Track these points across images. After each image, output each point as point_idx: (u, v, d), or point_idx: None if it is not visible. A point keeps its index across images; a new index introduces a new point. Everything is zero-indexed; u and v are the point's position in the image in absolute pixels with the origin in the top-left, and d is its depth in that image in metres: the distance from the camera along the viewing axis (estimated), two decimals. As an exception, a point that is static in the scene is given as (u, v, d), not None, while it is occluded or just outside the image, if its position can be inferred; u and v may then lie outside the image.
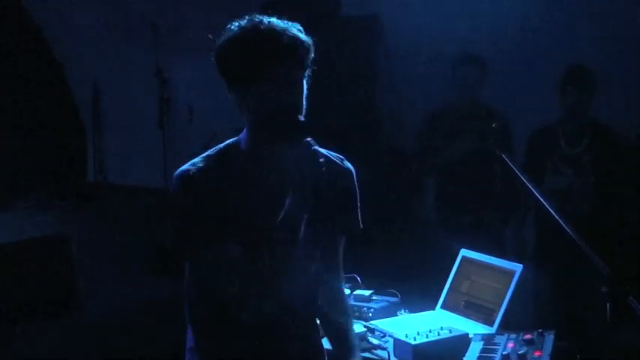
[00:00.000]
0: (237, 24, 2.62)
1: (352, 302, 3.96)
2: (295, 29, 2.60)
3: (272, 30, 2.56)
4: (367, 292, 4.04)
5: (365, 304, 3.95)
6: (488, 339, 3.47)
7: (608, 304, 2.82)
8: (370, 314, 3.89)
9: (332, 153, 2.78)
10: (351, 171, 2.85)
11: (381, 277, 4.29)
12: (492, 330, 3.62)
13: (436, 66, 6.32)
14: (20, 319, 5.65)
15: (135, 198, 7.01)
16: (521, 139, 5.64)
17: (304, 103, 2.62)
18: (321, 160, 2.60)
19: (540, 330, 3.45)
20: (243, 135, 2.70)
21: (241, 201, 2.63)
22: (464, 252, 4.03)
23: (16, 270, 5.77)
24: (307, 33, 2.63)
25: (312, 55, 2.62)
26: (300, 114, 2.60)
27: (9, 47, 7.18)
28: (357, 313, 3.90)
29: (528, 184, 3.42)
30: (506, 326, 3.65)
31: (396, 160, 6.63)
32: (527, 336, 3.41)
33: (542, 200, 3.39)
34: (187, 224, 2.62)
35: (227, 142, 2.73)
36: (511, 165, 3.50)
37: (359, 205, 2.87)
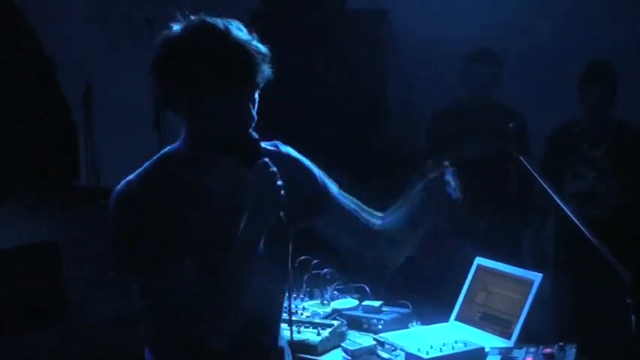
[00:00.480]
0: (186, 25, 2.51)
1: (361, 314, 3.95)
2: (256, 40, 2.50)
3: (235, 41, 2.45)
4: (377, 303, 4.03)
5: (374, 316, 3.93)
6: (505, 353, 3.44)
7: (632, 316, 2.80)
8: (380, 326, 3.87)
9: (265, 145, 2.70)
10: (289, 154, 2.82)
11: (392, 287, 4.28)
12: (510, 343, 3.60)
13: (448, 62, 6.30)
14: (7, 330, 5.65)
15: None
16: (540, 140, 5.63)
17: (255, 115, 2.54)
18: (266, 160, 2.54)
19: (561, 343, 3.43)
20: (181, 143, 2.62)
21: (193, 215, 2.55)
22: (479, 260, 4.01)
23: (2, 279, 5.77)
24: (262, 41, 2.52)
25: (269, 69, 2.51)
26: (251, 128, 2.54)
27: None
28: (365, 326, 3.89)
29: (547, 188, 3.40)
30: (524, 339, 3.62)
31: (406, 160, 6.61)
32: (547, 350, 3.38)
33: (561, 205, 3.38)
34: (137, 246, 2.48)
35: (163, 151, 2.66)
36: (529, 167, 3.49)
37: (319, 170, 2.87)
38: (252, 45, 2.46)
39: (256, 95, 2.54)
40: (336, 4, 6.81)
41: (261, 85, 2.52)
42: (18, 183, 7.06)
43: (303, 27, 6.53)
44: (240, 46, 2.44)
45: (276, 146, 2.79)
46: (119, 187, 2.54)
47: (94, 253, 6.11)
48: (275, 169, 2.51)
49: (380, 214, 3.00)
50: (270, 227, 2.54)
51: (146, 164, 2.61)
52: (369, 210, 2.97)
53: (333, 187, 2.90)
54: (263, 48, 2.49)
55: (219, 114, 2.47)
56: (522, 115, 5.74)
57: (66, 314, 5.98)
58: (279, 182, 2.51)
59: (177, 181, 2.55)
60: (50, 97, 7.52)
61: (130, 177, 2.56)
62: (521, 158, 3.50)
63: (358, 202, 2.97)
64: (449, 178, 2.99)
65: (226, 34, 2.45)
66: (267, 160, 2.53)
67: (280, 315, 2.88)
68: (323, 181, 2.87)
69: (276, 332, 2.87)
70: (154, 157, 2.63)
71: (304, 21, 6.57)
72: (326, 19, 6.62)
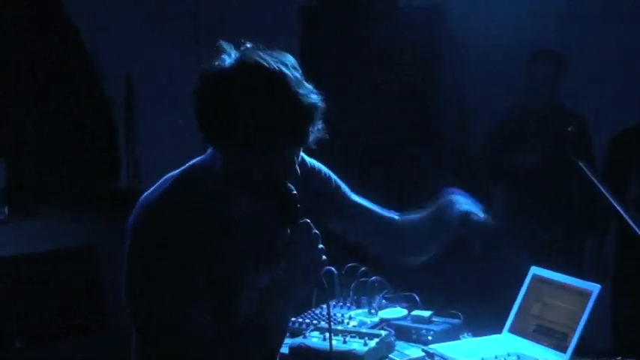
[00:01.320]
0: (239, 63, 2.38)
1: (410, 324, 3.98)
2: (311, 89, 2.40)
3: (293, 91, 2.34)
4: (427, 313, 4.05)
5: (424, 326, 3.95)
6: (560, 367, 3.47)
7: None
8: (430, 337, 3.89)
9: None
10: (314, 166, 2.83)
11: (443, 297, 4.30)
12: (566, 357, 3.61)
13: (508, 62, 6.30)
14: (41, 338, 5.72)
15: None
16: (603, 144, 5.62)
17: (298, 170, 2.51)
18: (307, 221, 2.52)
19: (619, 358, 3.44)
20: (211, 165, 2.55)
21: (221, 255, 2.53)
22: (535, 270, 4.01)
23: (40, 283, 5.86)
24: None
25: (321, 126, 2.43)
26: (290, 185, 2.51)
27: (33, 39, 7.28)
28: (414, 336, 3.91)
29: (608, 195, 3.42)
30: (581, 353, 3.63)
31: (461, 165, 6.63)
32: (605, 364, 3.40)
33: (623, 213, 3.39)
34: (160, 285, 2.42)
35: (190, 167, 2.61)
36: (589, 173, 3.50)
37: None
38: (307, 98, 2.37)
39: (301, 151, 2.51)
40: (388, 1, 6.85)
41: (310, 144, 2.46)
42: (56, 184, 7.16)
43: (356, 23, 6.58)
44: (300, 98, 2.35)
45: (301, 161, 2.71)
46: (143, 207, 2.50)
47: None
48: (317, 231, 2.51)
49: (397, 214, 3.06)
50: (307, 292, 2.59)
51: (169, 183, 2.56)
52: (387, 210, 3.02)
53: (347, 190, 2.95)
54: (319, 101, 2.40)
55: (258, 164, 2.42)
56: (584, 117, 5.74)
57: (103, 322, 6.06)
58: (321, 246, 2.51)
59: (204, 207, 2.51)
60: (91, 94, 7.61)
61: (153, 197, 2.52)
62: (580, 164, 3.51)
63: (373, 204, 3.02)
64: (458, 200, 3.03)
65: (279, 79, 2.35)
66: (309, 221, 2.51)
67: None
68: (340, 187, 2.94)
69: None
70: (176, 176, 2.59)
71: (357, 17, 6.61)
72: (380, 15, 6.66)
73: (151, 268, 2.43)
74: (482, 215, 3.02)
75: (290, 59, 2.42)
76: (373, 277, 4.24)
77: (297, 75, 2.39)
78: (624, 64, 6.18)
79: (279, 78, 2.34)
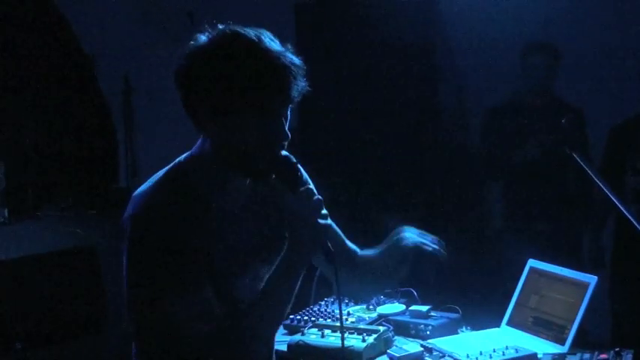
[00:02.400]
0: (220, 33, 2.45)
1: (408, 319, 3.98)
2: (290, 52, 2.44)
3: (269, 53, 2.39)
4: (425, 308, 4.04)
5: (422, 321, 3.95)
6: (559, 359, 3.46)
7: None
8: (428, 332, 3.89)
9: None
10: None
11: (441, 291, 4.29)
12: (564, 349, 3.61)
13: (503, 54, 6.30)
14: (41, 339, 5.72)
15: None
16: (601, 136, 5.62)
17: (288, 133, 2.49)
18: (310, 187, 2.57)
19: (617, 349, 3.43)
20: (200, 155, 2.56)
21: (219, 239, 2.53)
22: (532, 262, 4.01)
23: (40, 284, 5.86)
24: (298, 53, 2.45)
25: (304, 82, 2.44)
26: (284, 147, 2.51)
27: (31, 40, 7.28)
28: (413, 331, 3.91)
29: (602, 185, 3.42)
30: (579, 345, 3.63)
31: (458, 159, 6.62)
32: (603, 356, 3.39)
33: (619, 204, 3.39)
34: (160, 271, 2.41)
35: (178, 162, 2.59)
36: (583, 164, 3.50)
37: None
38: (286, 57, 2.40)
39: (289, 112, 2.50)
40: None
41: (296, 100, 2.46)
42: (55, 185, 7.16)
43: (350, 19, 6.57)
44: (273, 57, 2.38)
45: None
46: (138, 202, 2.48)
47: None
48: (320, 197, 2.52)
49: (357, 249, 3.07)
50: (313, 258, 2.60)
51: (160, 176, 2.56)
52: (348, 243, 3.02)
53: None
54: (298, 60, 2.43)
55: (249, 131, 2.42)
56: (580, 110, 5.73)
57: (103, 323, 6.06)
58: (325, 211, 2.52)
59: (200, 197, 2.51)
60: (89, 95, 7.61)
61: (147, 192, 2.51)
62: (574, 155, 3.51)
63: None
64: (409, 236, 3.00)
65: (258, 44, 2.40)
66: (311, 187, 2.56)
67: None
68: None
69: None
70: (167, 170, 2.58)
71: (350, 13, 6.60)
72: (374, 11, 6.65)
73: (151, 255, 2.41)
74: (434, 246, 3.03)
75: (268, 32, 2.46)
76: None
77: (274, 39, 2.45)
78: (620, 56, 6.17)
79: (255, 41, 2.40)
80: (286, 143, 2.50)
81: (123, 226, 2.48)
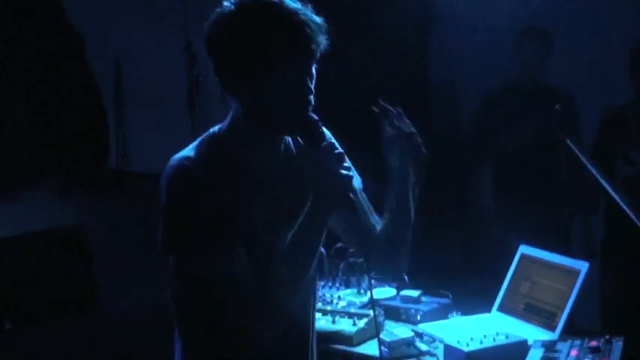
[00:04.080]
0: (239, 1, 2.52)
1: (399, 304, 3.97)
2: (310, 10, 2.52)
3: (288, 11, 2.48)
4: (415, 293, 4.05)
5: (413, 306, 3.95)
6: (549, 346, 3.45)
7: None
8: (418, 317, 3.90)
9: None
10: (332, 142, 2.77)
11: (431, 276, 4.29)
12: (554, 336, 3.62)
13: (495, 39, 6.28)
14: (33, 318, 5.72)
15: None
16: (593, 124, 5.61)
17: (313, 90, 2.56)
18: (332, 141, 2.62)
19: (608, 336, 3.43)
20: (231, 123, 2.64)
21: (253, 197, 2.58)
22: (523, 249, 4.02)
23: (30, 265, 5.84)
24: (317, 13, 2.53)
25: (325, 39, 2.52)
26: (310, 104, 2.57)
27: (20, 20, 7.23)
28: (403, 316, 3.91)
29: (596, 173, 3.41)
30: (569, 332, 3.64)
31: (449, 143, 6.61)
32: (593, 343, 3.38)
33: (611, 191, 3.38)
34: (197, 225, 2.46)
35: (211, 131, 2.67)
36: (576, 151, 3.49)
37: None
38: (307, 14, 2.49)
39: (314, 70, 2.56)
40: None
41: (318, 56, 2.53)
42: (46, 166, 7.13)
43: (345, 6, 6.54)
44: (294, 15, 2.46)
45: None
46: (175, 163, 2.53)
47: (125, 239, 6.19)
48: (341, 150, 2.57)
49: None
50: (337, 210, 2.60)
51: (196, 143, 2.62)
52: (376, 215, 2.97)
53: (359, 184, 2.91)
54: (318, 18, 2.51)
55: (276, 89, 2.49)
56: (573, 97, 5.72)
57: (93, 302, 6.05)
58: (347, 163, 2.56)
59: (235, 161, 2.57)
60: (79, 75, 7.57)
61: (184, 154, 2.56)
62: (568, 141, 3.50)
63: (370, 206, 2.98)
64: (399, 125, 3.04)
65: (279, 4, 2.47)
66: (333, 141, 2.60)
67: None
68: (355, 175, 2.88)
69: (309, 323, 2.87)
70: (202, 137, 2.65)
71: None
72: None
73: (189, 214, 2.47)
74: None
75: None
76: (362, 259, 4.22)
77: (296, 2, 2.52)
78: (612, 43, 6.15)
79: (274, 2, 2.47)
80: (312, 99, 2.56)
81: (160, 185, 2.53)
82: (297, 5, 2.50)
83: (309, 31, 2.46)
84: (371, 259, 2.89)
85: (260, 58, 2.46)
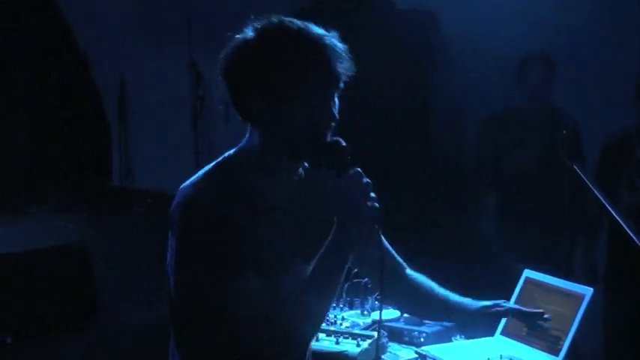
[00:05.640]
0: (266, 25, 2.53)
1: (402, 325, 3.96)
2: (336, 39, 2.52)
3: (313, 37, 2.48)
4: (419, 315, 4.03)
5: (416, 328, 3.93)
6: (552, 370, 3.45)
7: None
8: (422, 339, 3.87)
9: None
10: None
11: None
12: (558, 360, 3.61)
13: (499, 66, 6.29)
14: (33, 334, 5.71)
15: (163, 205, 6.95)
16: (594, 150, 5.61)
17: (336, 115, 2.55)
18: (358, 169, 2.57)
19: (612, 361, 3.43)
20: (248, 148, 2.61)
21: (267, 228, 2.55)
22: (528, 273, 4.00)
23: (32, 281, 5.84)
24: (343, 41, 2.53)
25: (349, 66, 2.51)
26: (332, 131, 2.55)
27: (26, 38, 7.25)
28: (407, 338, 3.89)
29: (601, 198, 3.41)
30: (573, 356, 3.62)
31: (452, 169, 6.61)
32: (597, 368, 3.38)
33: (616, 216, 3.38)
34: (212, 255, 2.45)
35: (226, 155, 2.65)
36: (583, 176, 3.49)
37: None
38: (332, 40, 2.49)
39: (336, 98, 2.54)
40: (386, 2, 6.83)
41: (342, 84, 2.52)
42: (49, 183, 7.14)
43: (350, 26, 6.54)
44: (319, 41, 2.46)
45: None
46: (187, 192, 2.52)
47: (127, 257, 6.19)
48: (368, 180, 2.53)
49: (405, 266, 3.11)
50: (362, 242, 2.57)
51: (208, 169, 2.60)
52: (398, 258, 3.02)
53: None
54: (340, 43, 2.51)
55: (298, 116, 2.47)
56: (576, 123, 5.73)
57: (93, 319, 6.04)
58: (373, 194, 2.53)
59: (248, 191, 2.54)
60: (84, 95, 7.59)
61: (197, 182, 2.55)
62: (574, 167, 3.50)
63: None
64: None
65: (302, 29, 2.48)
66: (359, 169, 2.55)
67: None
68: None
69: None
70: (215, 163, 2.62)
71: (351, 20, 6.58)
72: (374, 20, 6.64)
73: (200, 239, 2.45)
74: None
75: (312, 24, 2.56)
76: (366, 279, 4.21)
77: (319, 27, 2.53)
78: (614, 69, 6.17)
79: (298, 26, 2.49)
80: (334, 126, 2.55)
81: (171, 215, 2.53)
82: (322, 31, 2.49)
83: (333, 57, 2.46)
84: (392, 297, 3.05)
85: (284, 85, 2.44)
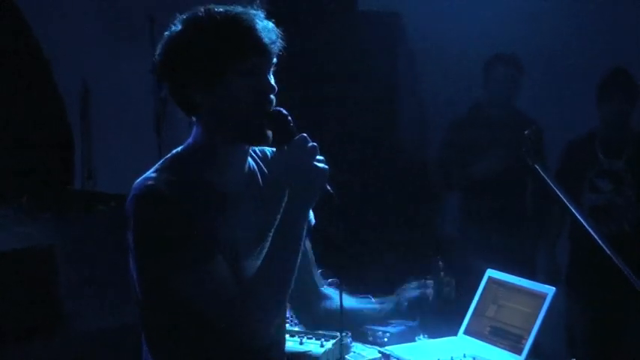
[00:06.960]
0: (190, 15, 2.57)
1: (366, 325, 3.97)
2: (262, 15, 2.57)
3: (233, 16, 2.52)
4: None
5: (380, 328, 3.94)
6: (515, 368, 3.48)
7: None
8: (385, 339, 3.89)
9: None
10: None
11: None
12: (520, 358, 3.63)
13: (464, 67, 6.32)
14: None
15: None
16: (556, 151, 5.65)
17: (275, 85, 2.58)
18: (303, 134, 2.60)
19: (573, 359, 3.46)
20: (194, 142, 2.65)
21: (223, 214, 2.58)
22: (490, 272, 4.03)
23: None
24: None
25: (277, 36, 2.57)
26: (274, 102, 2.59)
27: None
28: (370, 338, 3.91)
29: (563, 198, 3.44)
30: (535, 355, 3.65)
31: (417, 170, 6.64)
32: (559, 366, 3.41)
33: (577, 215, 3.41)
34: (170, 246, 2.46)
35: (174, 152, 2.67)
36: (544, 176, 3.52)
37: None
38: (251, 14, 2.53)
39: (271, 73, 2.58)
40: (346, 5, 6.83)
41: (274, 57, 2.56)
42: (11, 186, 7.09)
43: (312, 28, 6.55)
44: (239, 17, 2.51)
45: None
46: (138, 185, 2.52)
47: (91, 261, 6.16)
48: (314, 143, 2.57)
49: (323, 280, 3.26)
50: (315, 204, 2.61)
51: (158, 165, 2.62)
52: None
53: (312, 223, 2.91)
54: (263, 14, 2.57)
55: (238, 93, 2.51)
56: (538, 124, 5.77)
57: (58, 324, 6.00)
58: (320, 156, 2.57)
59: (198, 182, 2.57)
60: (46, 97, 7.55)
61: (146, 176, 2.55)
62: (536, 167, 3.53)
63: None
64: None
65: (224, 12, 2.52)
66: (305, 135, 2.58)
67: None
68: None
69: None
70: (165, 159, 2.64)
71: (313, 22, 6.59)
72: (338, 22, 6.65)
73: (158, 232, 2.47)
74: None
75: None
76: (330, 280, 4.22)
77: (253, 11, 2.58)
78: (577, 71, 6.22)
79: (223, 10, 2.54)
80: (275, 97, 2.58)
81: (126, 211, 2.53)
82: (241, 9, 2.54)
83: (259, 28, 2.50)
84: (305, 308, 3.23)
85: (216, 64, 2.48)
